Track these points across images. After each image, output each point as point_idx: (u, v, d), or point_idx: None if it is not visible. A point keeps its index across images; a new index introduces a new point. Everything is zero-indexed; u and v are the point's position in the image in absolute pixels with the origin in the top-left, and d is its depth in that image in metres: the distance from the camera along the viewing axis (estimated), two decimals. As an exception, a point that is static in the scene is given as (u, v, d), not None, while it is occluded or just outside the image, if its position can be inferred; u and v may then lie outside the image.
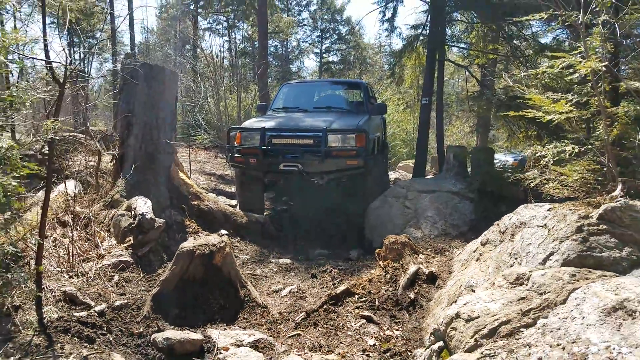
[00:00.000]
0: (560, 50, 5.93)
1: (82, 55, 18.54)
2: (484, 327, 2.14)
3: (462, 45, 11.58)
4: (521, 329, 2.04)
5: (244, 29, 26.64)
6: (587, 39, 4.19)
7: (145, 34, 31.73)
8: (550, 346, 1.82)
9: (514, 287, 2.39)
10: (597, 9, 4.19)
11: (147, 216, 4.39)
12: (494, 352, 1.93)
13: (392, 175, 13.07)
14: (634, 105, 4.14)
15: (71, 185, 5.05)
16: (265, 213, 7.19)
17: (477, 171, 7.07)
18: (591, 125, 4.67)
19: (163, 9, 30.70)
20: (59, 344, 2.67)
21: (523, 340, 1.95)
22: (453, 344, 2.25)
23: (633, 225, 2.91)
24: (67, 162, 6.08)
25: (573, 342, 1.78)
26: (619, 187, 3.84)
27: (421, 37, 11.68)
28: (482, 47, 10.42)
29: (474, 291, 2.62)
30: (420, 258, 4.47)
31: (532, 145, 7.50)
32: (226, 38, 29.56)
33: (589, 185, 4.16)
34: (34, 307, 2.95)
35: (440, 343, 2.36)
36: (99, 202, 5.12)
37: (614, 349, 1.66)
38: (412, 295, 3.86)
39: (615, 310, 1.82)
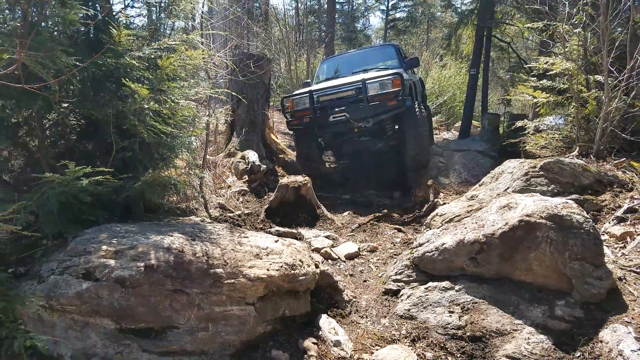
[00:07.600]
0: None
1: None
2: (447, 218, 4.17)
3: (507, 24, 12.78)
4: (464, 218, 4.05)
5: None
6: (567, 44, 5.87)
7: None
8: (472, 223, 3.83)
9: (468, 200, 4.40)
10: (576, 22, 5.84)
11: (256, 163, 6.67)
12: (449, 227, 3.98)
13: (446, 134, 14.68)
14: (600, 93, 5.81)
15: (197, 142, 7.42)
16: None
17: (504, 133, 8.80)
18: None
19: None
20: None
21: (463, 222, 3.97)
22: (432, 227, 4.30)
23: (559, 172, 4.76)
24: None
25: (482, 220, 3.77)
26: (576, 150, 5.61)
27: (476, 12, 13.05)
28: (523, 25, 11.68)
29: (448, 204, 4.64)
30: (440, 196, 6.46)
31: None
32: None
33: (558, 148, 5.92)
34: (203, 209, 5.31)
35: (427, 228, 4.43)
36: (219, 153, 7.48)
37: (496, 221, 3.63)
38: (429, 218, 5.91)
39: (504, 207, 3.77)
